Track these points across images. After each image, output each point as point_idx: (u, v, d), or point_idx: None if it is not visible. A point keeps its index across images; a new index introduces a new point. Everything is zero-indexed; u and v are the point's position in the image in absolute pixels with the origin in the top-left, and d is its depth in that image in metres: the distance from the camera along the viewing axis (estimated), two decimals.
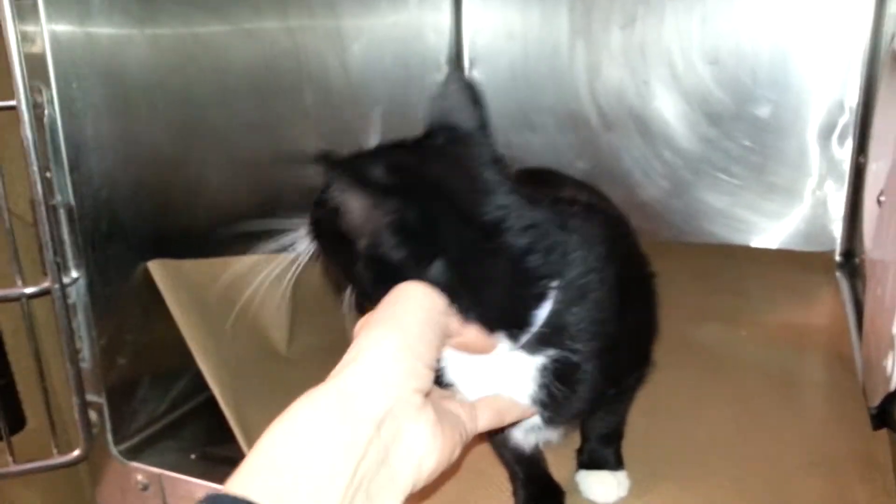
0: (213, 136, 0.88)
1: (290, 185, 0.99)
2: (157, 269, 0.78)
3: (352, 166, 0.51)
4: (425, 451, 0.44)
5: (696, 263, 1.20)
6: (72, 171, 0.69)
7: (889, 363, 0.68)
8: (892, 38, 0.94)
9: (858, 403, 0.78)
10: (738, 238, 1.26)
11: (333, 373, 0.44)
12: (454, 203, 0.50)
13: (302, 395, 0.43)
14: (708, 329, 0.98)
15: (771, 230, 1.25)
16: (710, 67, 1.23)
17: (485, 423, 0.52)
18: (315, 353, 0.93)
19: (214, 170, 0.89)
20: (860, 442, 0.72)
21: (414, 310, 0.47)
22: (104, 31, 0.73)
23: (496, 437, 0.64)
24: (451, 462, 0.47)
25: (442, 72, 1.38)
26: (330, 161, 0.49)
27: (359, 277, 0.52)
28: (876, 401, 0.74)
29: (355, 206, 0.50)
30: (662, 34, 1.25)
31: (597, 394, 0.57)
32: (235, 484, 0.39)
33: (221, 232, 0.89)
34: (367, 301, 0.51)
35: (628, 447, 0.70)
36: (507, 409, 0.54)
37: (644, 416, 0.73)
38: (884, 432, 0.72)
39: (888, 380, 0.68)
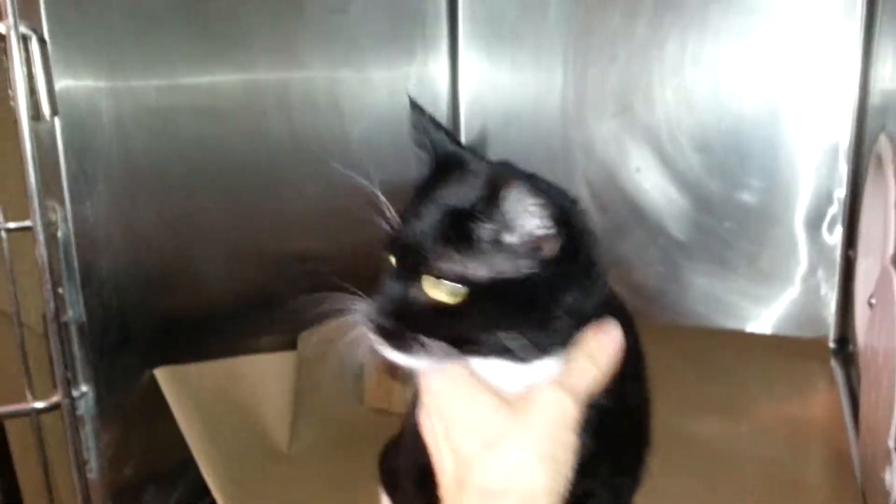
0: (214, 228, 0.90)
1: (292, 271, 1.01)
2: (164, 376, 0.79)
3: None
4: None
5: (690, 348, 1.21)
6: (83, 286, 0.71)
7: (888, 477, 0.69)
8: (877, 139, 0.97)
9: None
10: (732, 323, 1.28)
11: None
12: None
13: None
14: (705, 422, 0.99)
15: (764, 315, 1.26)
16: (699, 154, 1.27)
17: None
18: (316, 449, 0.93)
19: (217, 263, 0.91)
20: None
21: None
22: (111, 132, 0.76)
23: None
24: None
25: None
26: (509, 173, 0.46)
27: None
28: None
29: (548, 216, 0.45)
30: (652, 121, 1.29)
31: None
32: None
33: (226, 326, 0.91)
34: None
35: None
36: None
37: None
38: None
39: (888, 493, 0.69)
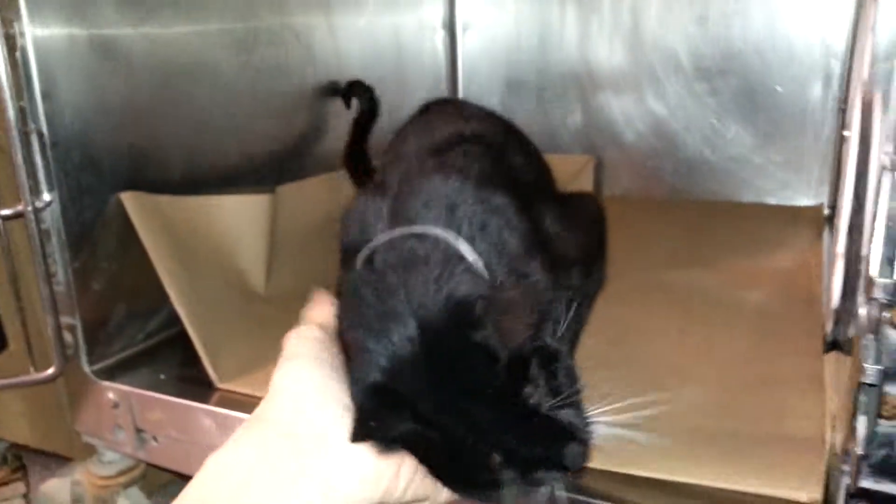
0: (193, 104, 0.91)
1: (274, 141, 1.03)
2: (131, 200, 0.81)
3: None
4: (363, 464, 0.44)
5: (687, 219, 1.21)
6: (44, 99, 0.73)
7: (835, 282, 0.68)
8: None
9: (817, 334, 0.78)
10: (732, 194, 1.26)
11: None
12: None
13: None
14: (684, 273, 0.99)
15: (764, 185, 1.24)
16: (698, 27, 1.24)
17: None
18: (292, 293, 0.94)
19: (192, 130, 0.92)
20: (808, 365, 0.73)
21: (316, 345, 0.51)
22: None
23: None
24: (400, 482, 0.46)
25: (439, 35, 1.42)
26: None
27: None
28: (829, 325, 0.74)
29: None
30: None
31: None
32: None
33: (201, 170, 0.93)
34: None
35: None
36: None
37: (608, 345, 0.76)
38: (832, 355, 0.72)
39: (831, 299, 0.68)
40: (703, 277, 0.97)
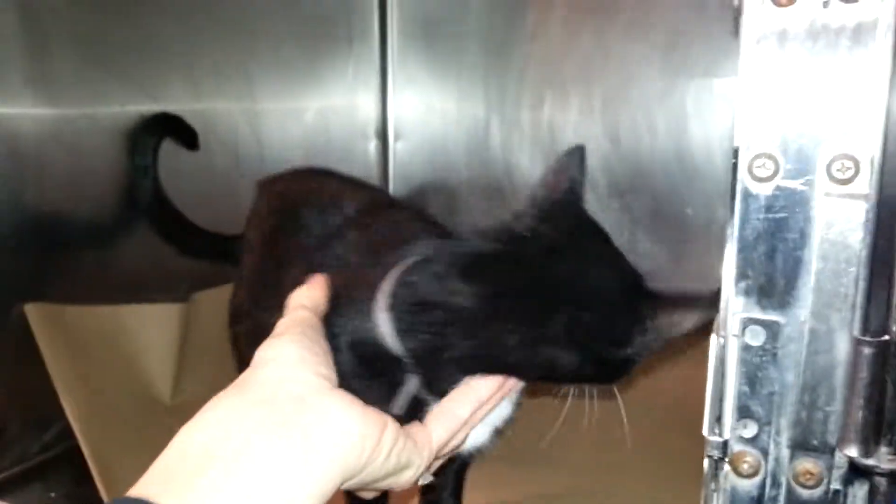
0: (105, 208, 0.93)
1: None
2: (34, 312, 0.81)
3: None
4: (341, 415, 0.42)
5: None
6: None
7: None
8: None
9: None
10: None
11: None
12: None
13: None
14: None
15: None
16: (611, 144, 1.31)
17: (439, 434, 0.50)
18: (201, 402, 0.94)
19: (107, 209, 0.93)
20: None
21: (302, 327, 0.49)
22: None
23: None
24: (382, 447, 0.43)
25: (371, 143, 1.46)
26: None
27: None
28: None
29: None
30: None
31: None
32: (136, 489, 0.39)
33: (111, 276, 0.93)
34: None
35: None
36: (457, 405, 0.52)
37: None
38: None
39: None
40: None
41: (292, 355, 0.45)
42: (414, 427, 0.49)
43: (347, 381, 0.47)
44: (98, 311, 0.88)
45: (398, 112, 1.48)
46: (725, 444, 0.42)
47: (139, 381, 0.92)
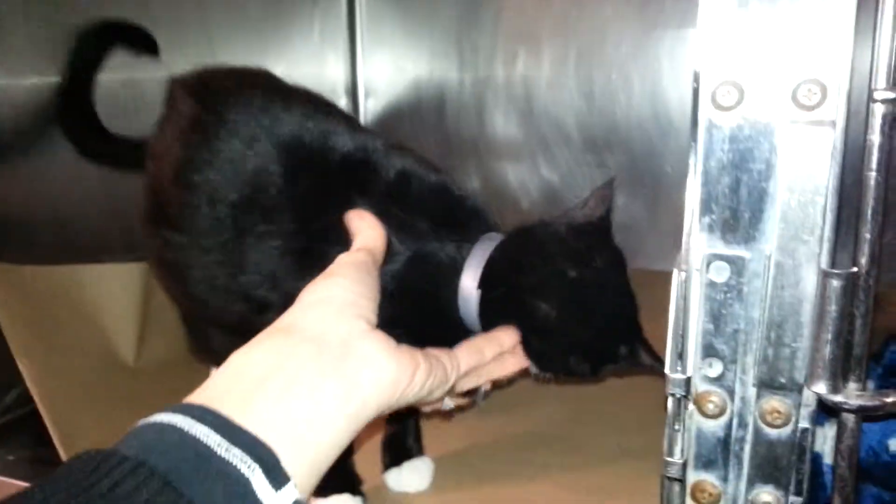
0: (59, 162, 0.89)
1: None
2: None
3: None
4: (378, 358, 0.46)
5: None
6: None
7: None
8: None
9: None
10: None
11: None
12: None
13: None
14: None
15: (653, 252, 1.27)
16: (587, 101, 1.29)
17: (466, 362, 0.55)
18: (166, 365, 0.93)
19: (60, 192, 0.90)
20: None
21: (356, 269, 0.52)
22: None
23: None
24: (414, 384, 0.48)
25: (341, 101, 1.43)
26: None
27: None
28: None
29: None
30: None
31: None
32: (194, 397, 0.42)
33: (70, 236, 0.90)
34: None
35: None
36: (485, 345, 0.59)
37: None
38: None
39: None
40: None
41: (340, 298, 0.48)
42: (443, 355, 0.53)
43: (401, 328, 0.50)
44: (57, 272, 0.85)
45: (368, 71, 1.44)
46: (688, 381, 0.41)
47: (100, 344, 0.89)
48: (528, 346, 0.61)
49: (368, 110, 1.45)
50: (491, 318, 0.60)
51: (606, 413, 0.82)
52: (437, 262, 0.61)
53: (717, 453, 0.44)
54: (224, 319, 0.69)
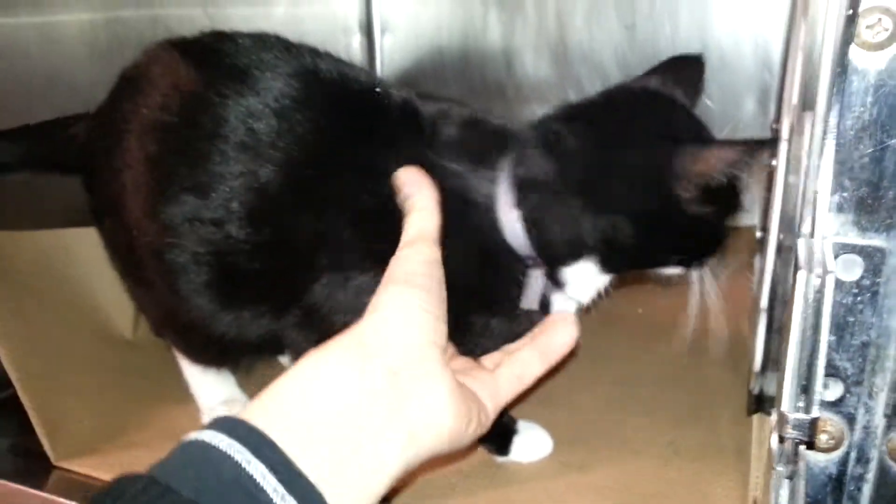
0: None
1: None
2: None
3: None
4: (443, 409, 0.44)
5: None
6: None
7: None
8: None
9: (741, 390, 0.71)
10: None
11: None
12: None
13: (320, 346, 0.44)
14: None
15: None
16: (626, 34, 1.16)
17: (507, 391, 0.52)
18: None
19: None
20: (730, 431, 0.65)
21: (429, 271, 0.48)
22: None
23: None
24: (464, 435, 0.46)
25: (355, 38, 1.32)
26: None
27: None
28: (753, 382, 0.67)
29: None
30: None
31: None
32: (251, 416, 0.40)
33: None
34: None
35: None
36: (527, 365, 0.54)
37: None
38: (756, 417, 0.65)
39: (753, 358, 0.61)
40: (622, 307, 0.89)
41: (418, 321, 0.45)
42: (486, 390, 0.50)
43: (468, 297, 0.50)
44: (38, 237, 0.76)
45: (384, 4, 1.32)
46: (814, 423, 0.31)
47: (92, 316, 0.80)
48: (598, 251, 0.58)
49: (385, 48, 1.33)
50: (539, 234, 0.57)
51: (655, 402, 0.72)
52: (473, 201, 0.58)
53: (827, 494, 0.34)
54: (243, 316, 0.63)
